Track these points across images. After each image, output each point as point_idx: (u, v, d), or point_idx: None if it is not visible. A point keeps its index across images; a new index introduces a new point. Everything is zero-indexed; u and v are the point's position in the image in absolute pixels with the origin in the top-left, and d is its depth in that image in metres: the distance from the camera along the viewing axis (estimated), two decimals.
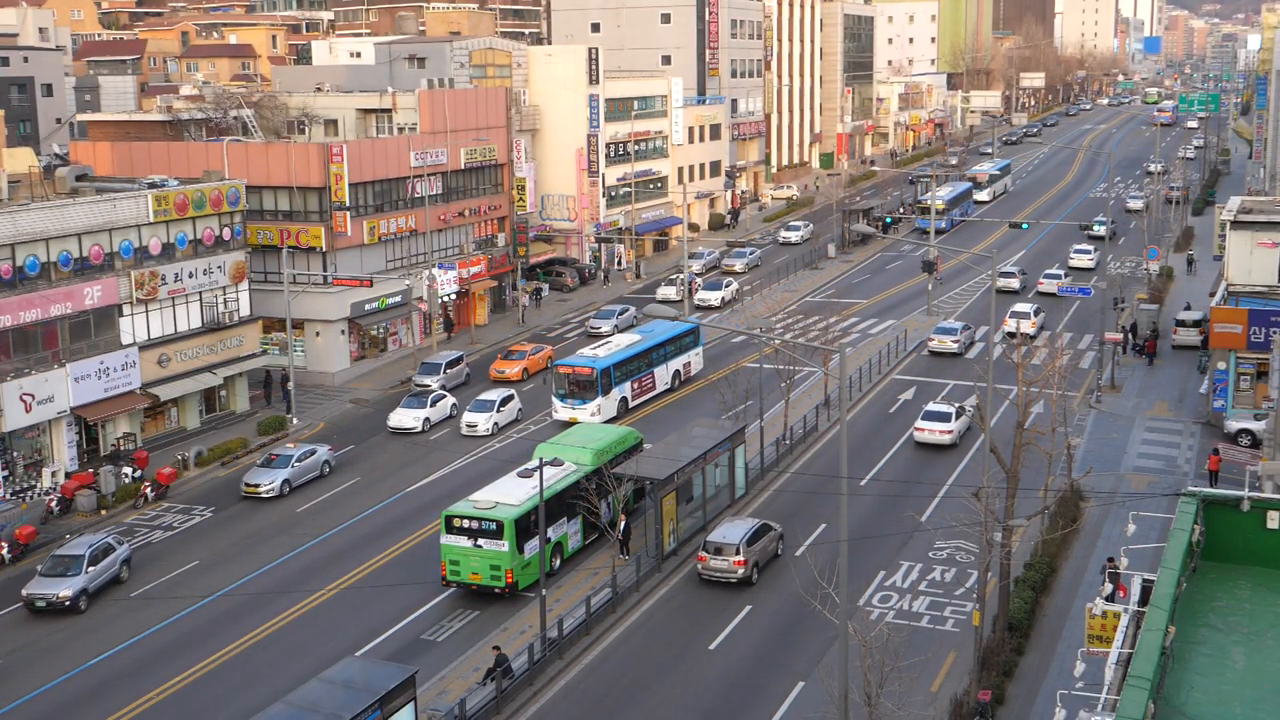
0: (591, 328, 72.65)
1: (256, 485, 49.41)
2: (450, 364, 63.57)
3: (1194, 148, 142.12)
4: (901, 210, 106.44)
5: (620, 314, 73.84)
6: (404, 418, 56.83)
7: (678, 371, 60.73)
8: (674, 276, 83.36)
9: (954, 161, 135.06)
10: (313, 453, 51.45)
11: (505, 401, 56.45)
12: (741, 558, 39.72)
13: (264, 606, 39.85)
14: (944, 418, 52.27)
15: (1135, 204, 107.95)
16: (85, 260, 50.75)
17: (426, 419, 56.90)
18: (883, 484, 47.95)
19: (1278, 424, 41.87)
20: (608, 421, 53.83)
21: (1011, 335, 64.85)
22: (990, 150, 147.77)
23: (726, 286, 79.77)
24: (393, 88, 77.48)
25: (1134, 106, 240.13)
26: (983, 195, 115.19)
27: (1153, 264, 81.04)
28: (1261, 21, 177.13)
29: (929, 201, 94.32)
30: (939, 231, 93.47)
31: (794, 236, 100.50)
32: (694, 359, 62.23)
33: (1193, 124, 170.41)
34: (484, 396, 56.52)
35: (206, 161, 62.42)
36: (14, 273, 47.86)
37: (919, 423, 52.83)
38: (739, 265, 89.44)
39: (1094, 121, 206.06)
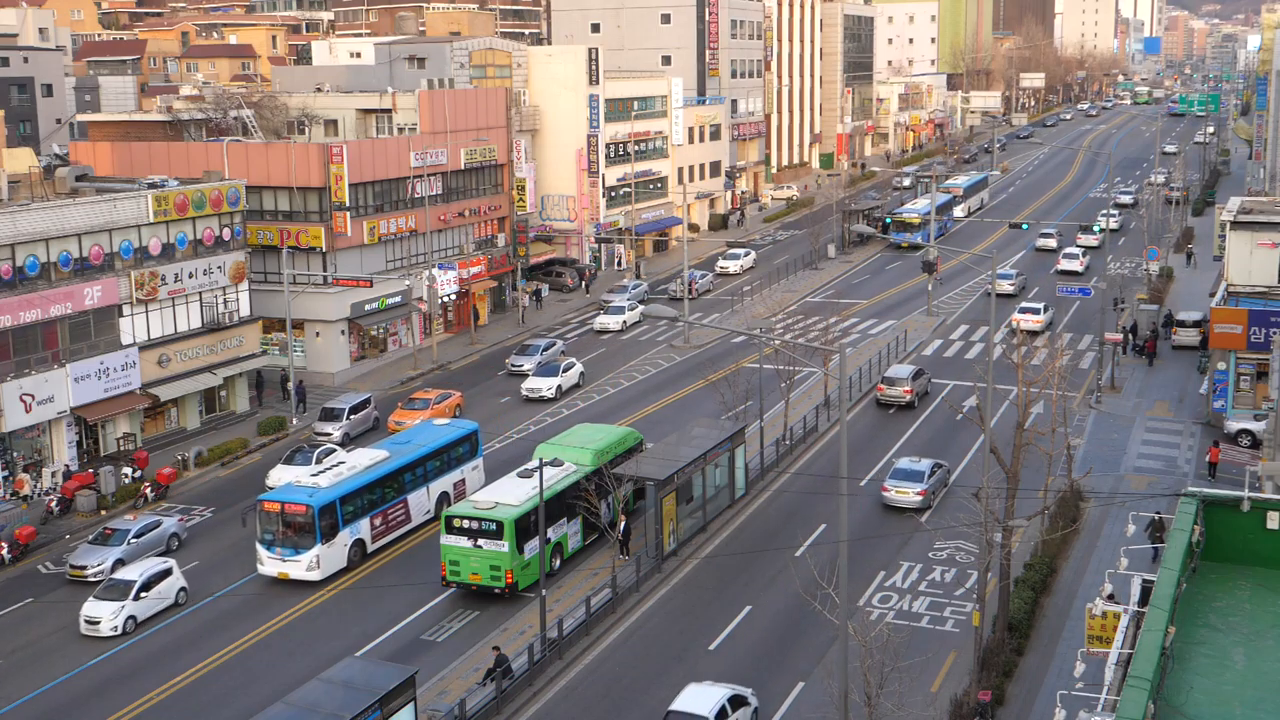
0: (513, 365, 64.92)
1: (83, 568, 41.74)
2: (355, 408, 56.05)
3: (1207, 134, 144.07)
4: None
5: (546, 349, 66.28)
6: (284, 477, 47.35)
7: (446, 495, 46.42)
8: (621, 287, 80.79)
9: (906, 184, 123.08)
10: (156, 525, 44.16)
11: (153, 582, 39.45)
12: (909, 388, 57.20)
13: (264, 607, 39.85)
14: (1035, 311, 69.94)
15: (1158, 179, 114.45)
16: (85, 260, 50.76)
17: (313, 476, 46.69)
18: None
19: (1278, 424, 41.85)
20: (337, 575, 41.60)
21: (1064, 274, 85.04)
22: (943, 167, 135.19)
23: (566, 370, 62.30)
24: (393, 88, 77.50)
25: (1122, 110, 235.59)
26: (957, 211, 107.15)
27: (1153, 264, 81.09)
28: (1261, 22, 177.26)
29: (904, 215, 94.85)
30: (915, 246, 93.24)
31: (733, 266, 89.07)
32: (470, 474, 47.90)
33: (1201, 113, 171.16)
34: (120, 575, 39.73)
35: (206, 161, 62.44)
36: (14, 273, 47.87)
37: (1016, 314, 69.79)
38: (644, 310, 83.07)
39: (1076, 133, 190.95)
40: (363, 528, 42.74)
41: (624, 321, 73.69)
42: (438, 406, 56.65)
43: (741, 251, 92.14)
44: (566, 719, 33.23)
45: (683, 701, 30.92)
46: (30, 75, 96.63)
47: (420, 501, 45.50)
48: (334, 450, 50.43)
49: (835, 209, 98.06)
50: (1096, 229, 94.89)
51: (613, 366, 66.38)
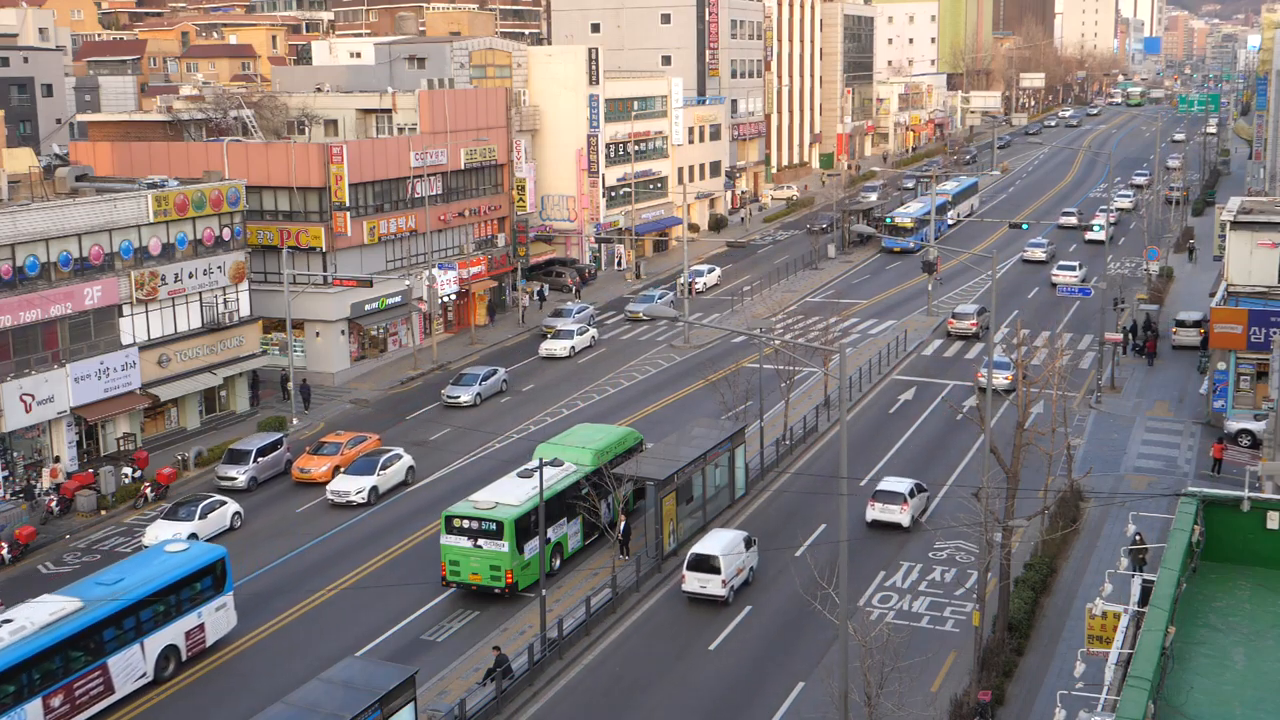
0: (448, 398, 59.35)
1: None
2: (264, 450, 50.53)
3: (1212, 126, 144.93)
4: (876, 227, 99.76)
5: (485, 378, 60.62)
6: (162, 534, 42.37)
7: (173, 648, 35.48)
8: (566, 309, 73.95)
9: (874, 197, 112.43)
10: None
11: None
12: (975, 321, 69.09)
13: (264, 606, 39.81)
14: (1071, 268, 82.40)
15: (1174, 163, 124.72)
16: (85, 260, 50.75)
17: (193, 535, 42.94)
18: None
19: (1278, 424, 41.85)
20: None
21: (1092, 243, 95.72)
22: (914, 182, 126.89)
23: (386, 467, 48.81)
24: (393, 88, 77.48)
25: (1116, 111, 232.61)
26: (947, 217, 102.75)
27: (1153, 264, 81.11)
28: (1261, 21, 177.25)
29: (897, 219, 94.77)
30: (906, 251, 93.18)
31: (696, 284, 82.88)
32: (213, 616, 36.87)
33: (1201, 112, 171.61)
34: None
35: (206, 161, 62.44)
36: (14, 273, 47.86)
37: (1055, 270, 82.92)
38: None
39: (1064, 141, 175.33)
40: (31, 712, 31.32)
41: (572, 347, 68.23)
42: (349, 452, 50.66)
43: (705, 268, 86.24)
44: (566, 719, 33.26)
45: (886, 484, 44.91)
46: (30, 75, 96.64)
47: (131, 663, 34.17)
48: (224, 503, 45.43)
49: (835, 208, 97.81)
50: (1097, 228, 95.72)
51: (564, 393, 61.76)
